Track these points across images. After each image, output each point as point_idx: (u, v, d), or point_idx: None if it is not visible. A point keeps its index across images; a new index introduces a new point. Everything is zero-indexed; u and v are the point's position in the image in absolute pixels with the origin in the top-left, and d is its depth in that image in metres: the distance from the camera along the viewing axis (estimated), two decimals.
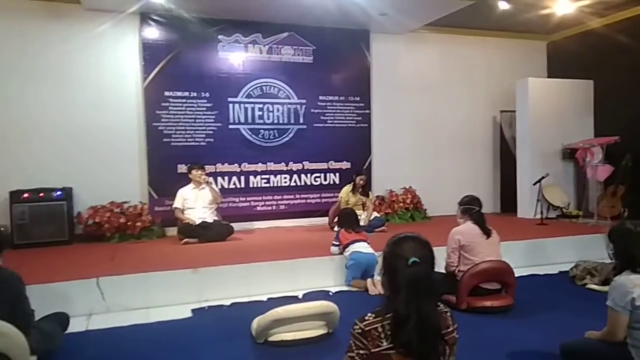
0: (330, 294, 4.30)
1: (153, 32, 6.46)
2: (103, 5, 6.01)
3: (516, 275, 3.87)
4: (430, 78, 7.96)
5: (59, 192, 5.79)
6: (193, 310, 3.90)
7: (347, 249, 4.62)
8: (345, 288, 4.50)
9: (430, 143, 8.00)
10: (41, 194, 5.70)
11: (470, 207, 3.89)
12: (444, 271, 3.82)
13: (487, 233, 3.79)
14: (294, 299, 4.09)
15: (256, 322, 3.19)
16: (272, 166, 7.07)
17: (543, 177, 6.92)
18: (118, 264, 4.61)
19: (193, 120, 6.67)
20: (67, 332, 3.25)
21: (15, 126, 5.93)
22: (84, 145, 6.17)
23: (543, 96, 7.55)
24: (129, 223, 6.00)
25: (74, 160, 6.12)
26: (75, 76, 6.17)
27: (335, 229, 5.91)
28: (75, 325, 3.45)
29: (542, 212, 6.92)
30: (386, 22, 6.90)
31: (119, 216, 6.00)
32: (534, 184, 7.00)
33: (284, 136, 7.14)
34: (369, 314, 1.62)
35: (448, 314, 1.69)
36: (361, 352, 1.57)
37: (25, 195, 5.64)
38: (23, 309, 2.82)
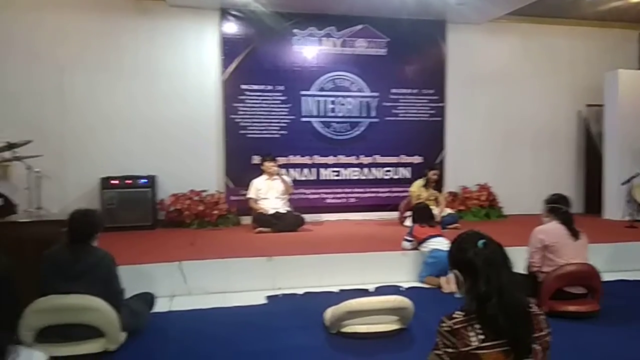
0: (402, 289, 4.25)
1: (232, 27, 6.67)
2: (186, 1, 6.29)
3: (602, 280, 3.64)
4: (510, 70, 7.60)
5: (144, 180, 6.15)
6: (268, 297, 4.01)
7: (423, 245, 4.56)
8: (417, 284, 4.45)
9: (508, 138, 7.65)
10: (128, 181, 6.08)
11: (557, 207, 3.68)
12: (524, 272, 3.66)
13: (575, 234, 3.58)
14: (365, 292, 4.10)
15: (329, 313, 3.23)
16: (342, 159, 7.09)
17: (633, 177, 6.43)
18: (198, 249, 4.83)
19: (268, 112, 6.83)
20: (152, 311, 3.48)
21: (105, 118, 6.35)
22: (168, 136, 6.50)
23: (634, 89, 6.99)
24: (207, 211, 6.27)
25: (158, 149, 6.46)
26: (160, 70, 6.50)
27: (406, 223, 5.90)
28: (160, 306, 3.67)
29: (631, 214, 6.43)
30: (464, 12, 6.66)
31: (198, 204, 6.29)
32: (623, 184, 6.53)
33: (356, 129, 7.13)
34: (457, 312, 1.58)
35: (542, 316, 1.62)
36: (449, 350, 1.54)
37: (114, 181, 6.04)
38: (115, 288, 3.04)
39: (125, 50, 6.39)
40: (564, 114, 7.88)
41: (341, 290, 4.17)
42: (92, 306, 2.81)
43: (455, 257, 1.71)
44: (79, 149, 6.22)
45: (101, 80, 6.32)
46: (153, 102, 6.47)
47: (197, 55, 6.64)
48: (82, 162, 6.19)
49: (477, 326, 1.53)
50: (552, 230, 3.60)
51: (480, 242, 1.64)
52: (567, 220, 3.62)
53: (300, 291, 4.17)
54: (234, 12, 6.62)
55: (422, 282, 4.46)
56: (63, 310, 2.79)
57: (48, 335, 2.78)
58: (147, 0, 6.34)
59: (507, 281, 1.58)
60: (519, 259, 2.88)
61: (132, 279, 3.73)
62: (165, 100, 6.50)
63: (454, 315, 1.57)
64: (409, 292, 4.10)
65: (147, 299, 3.44)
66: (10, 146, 4.93)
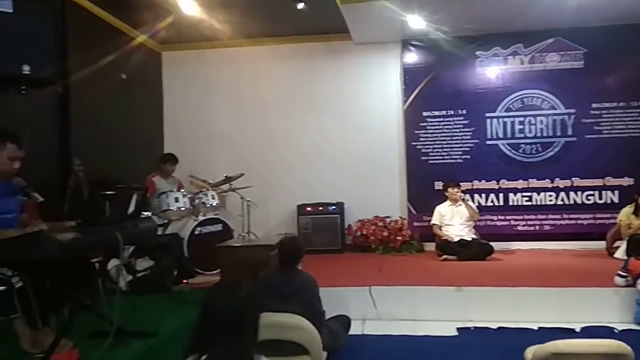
0: (616, 331, 3.76)
1: (412, 57, 6.84)
2: (370, 38, 6.66)
3: None
4: None
5: (333, 206, 6.60)
6: (458, 329, 3.93)
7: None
8: (633, 326, 3.88)
9: None
10: (320, 208, 6.59)
11: None
12: None
13: None
14: (570, 332, 3.73)
15: (531, 352, 3.00)
16: (534, 183, 6.59)
17: None
18: (385, 274, 4.98)
19: (450, 137, 6.76)
20: (348, 333, 3.69)
21: (301, 151, 7.04)
22: (354, 165, 6.89)
23: None
24: (391, 236, 6.43)
25: (346, 177, 6.88)
26: (348, 104, 6.98)
27: (616, 255, 5.19)
28: (353, 329, 3.85)
29: None
30: None
31: (383, 229, 6.49)
32: None
33: (549, 150, 6.59)
34: None
35: None
36: None
37: (308, 208, 6.61)
38: (317, 309, 3.32)
39: (317, 89, 7.03)
40: None
41: (540, 328, 3.87)
42: (299, 325, 3.11)
43: None
44: (280, 179, 6.97)
45: (297, 117, 7.05)
46: (341, 134, 6.96)
47: (380, 87, 6.96)
48: (282, 191, 6.92)
49: None
50: None
51: None
52: None
53: (494, 325, 3.99)
54: (414, 42, 6.79)
55: (639, 324, 3.87)
56: (276, 327, 3.14)
57: (262, 348, 3.16)
58: (335, 41, 6.89)
59: None
60: None
61: (327, 300, 4.00)
62: (352, 131, 6.93)
63: None
64: (624, 336, 3.59)
65: (344, 321, 3.67)
66: (228, 179, 5.83)
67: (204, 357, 1.61)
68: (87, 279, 2.91)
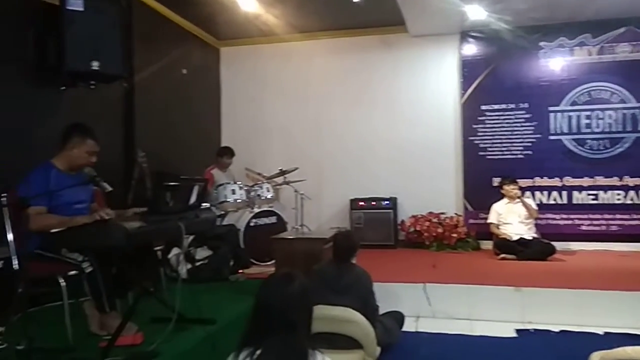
0: None
1: (471, 49, 6.63)
2: (427, 30, 6.52)
3: None
4: None
5: (387, 202, 6.54)
6: (517, 331, 3.80)
7: None
8: None
9: None
10: (373, 203, 6.55)
11: None
12: None
13: None
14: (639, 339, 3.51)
15: (597, 358, 2.86)
16: (601, 180, 6.24)
17: None
18: (440, 272, 4.89)
19: (509, 132, 6.51)
20: (402, 330, 3.66)
21: (353, 145, 7.00)
22: (408, 159, 6.79)
23: None
24: (445, 233, 6.28)
25: (399, 172, 6.79)
26: (402, 98, 6.87)
27: None
28: (407, 325, 3.81)
29: None
30: None
31: (437, 226, 6.35)
32: None
33: (618, 146, 6.21)
34: None
35: None
36: None
37: (361, 203, 6.58)
38: (371, 304, 3.30)
39: (371, 83, 6.96)
40: None
41: (607, 333, 3.67)
42: (353, 319, 3.10)
43: None
44: (333, 173, 6.97)
45: (351, 111, 7.00)
46: (395, 129, 6.86)
47: (436, 81, 6.80)
48: (335, 185, 6.93)
49: None
50: None
51: None
52: None
53: (555, 328, 3.82)
54: (474, 34, 6.57)
55: None
56: (329, 320, 3.15)
57: (316, 340, 3.19)
58: (391, 34, 6.80)
59: None
60: None
61: (380, 296, 3.97)
62: (406, 126, 6.82)
63: None
64: None
65: (398, 317, 3.63)
66: (282, 173, 5.91)
67: (258, 350, 1.61)
68: (150, 266, 3.04)
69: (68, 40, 3.87)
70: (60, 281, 2.70)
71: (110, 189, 2.83)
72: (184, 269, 4.30)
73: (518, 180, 6.02)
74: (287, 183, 6.01)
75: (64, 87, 4.19)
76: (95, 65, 3.96)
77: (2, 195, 2.64)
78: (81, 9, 3.94)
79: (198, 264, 4.54)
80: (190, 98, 6.48)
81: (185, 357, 2.69)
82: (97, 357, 2.39)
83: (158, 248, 2.96)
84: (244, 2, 5.68)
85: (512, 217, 5.87)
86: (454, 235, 6.29)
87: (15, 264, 2.67)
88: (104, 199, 3.38)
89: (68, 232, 2.71)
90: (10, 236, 2.69)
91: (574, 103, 6.34)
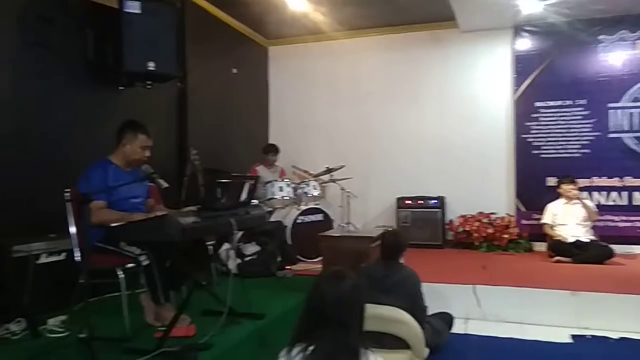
0: None
1: (526, 44, 6.41)
2: (479, 25, 6.35)
3: None
4: None
5: (434, 200, 6.43)
6: (573, 337, 3.65)
7: None
8: None
9: None
10: (420, 202, 6.46)
11: None
12: None
13: None
14: None
15: None
16: None
17: None
18: (490, 273, 4.76)
19: (566, 130, 6.25)
20: (450, 331, 3.59)
21: (400, 142, 6.93)
22: (457, 157, 6.65)
23: None
24: (496, 234, 6.11)
25: (447, 171, 6.66)
26: (451, 94, 6.74)
27: None
28: (456, 327, 3.74)
29: None
30: None
31: (487, 226, 6.18)
32: None
33: None
34: None
35: None
36: None
37: (408, 201, 6.51)
38: (419, 305, 3.26)
39: (420, 79, 6.87)
40: None
41: None
42: (401, 319, 3.08)
43: None
44: (380, 172, 6.92)
45: (399, 108, 6.94)
46: (444, 126, 6.74)
47: (487, 76, 6.62)
48: (382, 183, 6.87)
49: None
50: None
51: None
52: None
53: (614, 335, 3.64)
54: (528, 28, 6.35)
55: None
56: (377, 319, 3.12)
57: (366, 339, 3.18)
58: (440, 30, 6.67)
59: None
60: None
61: (428, 297, 3.91)
62: (456, 123, 6.68)
63: None
64: None
65: (447, 319, 3.57)
66: (329, 170, 5.93)
67: (311, 347, 1.62)
68: (203, 260, 3.13)
69: (126, 41, 4.03)
70: (118, 273, 2.82)
71: (166, 185, 2.93)
72: (233, 264, 4.40)
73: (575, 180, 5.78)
74: (334, 181, 6.00)
75: (122, 87, 4.38)
76: (151, 65, 4.10)
77: (66, 191, 2.80)
78: (138, 11, 4.09)
79: (247, 259, 4.63)
80: (239, 97, 6.61)
81: (235, 350, 2.74)
82: (153, 348, 2.48)
83: (210, 243, 3.02)
84: (292, 1, 5.74)
85: (569, 219, 5.64)
86: (505, 236, 6.10)
87: (77, 255, 2.84)
88: (160, 195, 3.51)
89: (127, 226, 2.82)
90: (72, 229, 2.85)
91: (635, 99, 6.01)
